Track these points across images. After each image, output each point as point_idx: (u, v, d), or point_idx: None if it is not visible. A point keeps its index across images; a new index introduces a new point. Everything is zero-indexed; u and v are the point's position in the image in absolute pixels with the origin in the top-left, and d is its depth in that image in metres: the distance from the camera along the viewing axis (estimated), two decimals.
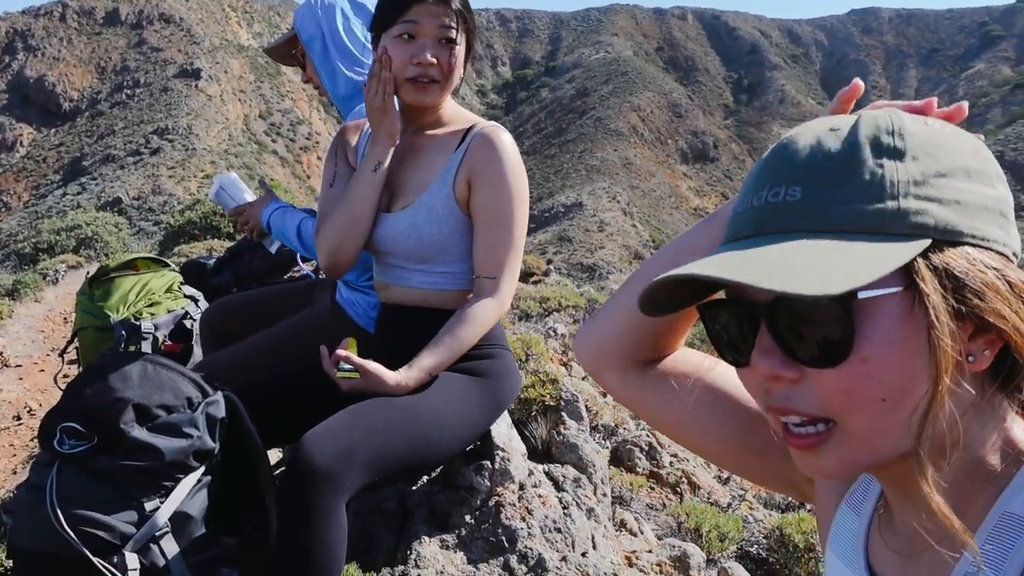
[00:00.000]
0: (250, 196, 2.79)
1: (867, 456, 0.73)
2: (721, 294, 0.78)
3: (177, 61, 70.84)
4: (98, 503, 1.64)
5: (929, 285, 0.67)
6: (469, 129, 2.04)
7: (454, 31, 1.94)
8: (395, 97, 2.00)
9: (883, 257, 0.66)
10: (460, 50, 1.98)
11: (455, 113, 2.12)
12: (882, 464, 0.74)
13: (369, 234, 2.07)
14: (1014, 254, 0.71)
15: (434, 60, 1.93)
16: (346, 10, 2.59)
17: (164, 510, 1.70)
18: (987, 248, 0.69)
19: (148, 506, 1.68)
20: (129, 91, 67.18)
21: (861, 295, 0.67)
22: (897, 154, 0.69)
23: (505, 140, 2.00)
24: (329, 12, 2.58)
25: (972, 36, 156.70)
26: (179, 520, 1.73)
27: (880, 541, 0.85)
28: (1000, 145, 70.17)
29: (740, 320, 0.76)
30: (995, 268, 0.68)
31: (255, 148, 64.33)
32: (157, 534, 1.68)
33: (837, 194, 0.69)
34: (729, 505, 3.50)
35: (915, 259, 0.67)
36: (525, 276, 9.12)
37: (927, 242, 0.67)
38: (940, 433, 0.70)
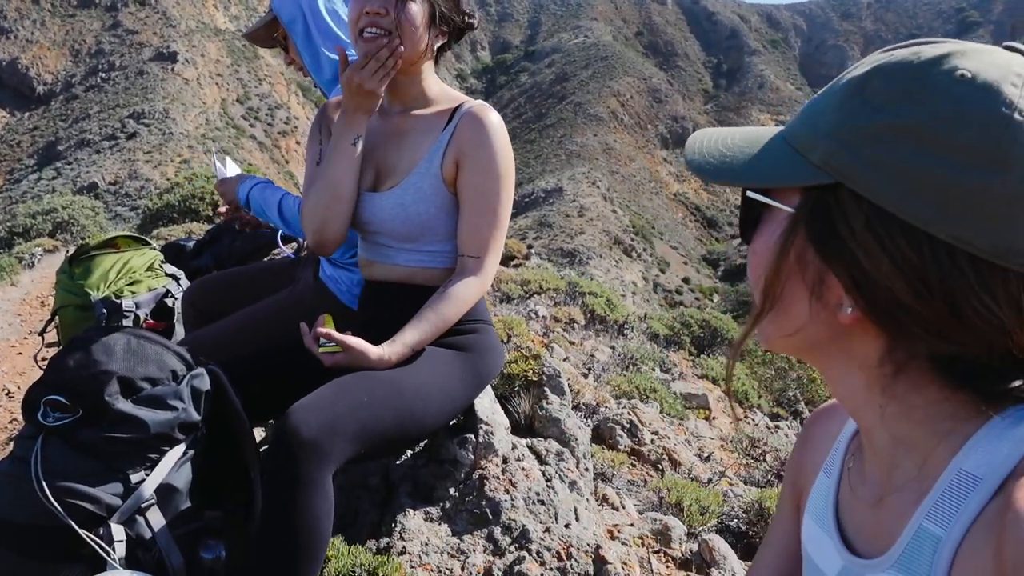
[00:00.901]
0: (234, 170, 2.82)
1: (774, 334, 0.82)
2: None
3: (153, 44, 69.94)
4: (83, 475, 1.63)
5: (800, 215, 0.74)
6: (457, 108, 2.03)
7: None
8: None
9: (779, 175, 0.75)
10: (416, 8, 1.91)
11: (441, 91, 2.10)
12: (797, 351, 0.82)
13: (355, 212, 2.06)
14: (955, 239, 0.65)
15: (381, 10, 1.88)
16: None
17: (150, 482, 1.70)
18: (902, 220, 0.66)
19: (133, 478, 1.68)
20: (104, 74, 66.30)
21: (749, 194, 0.79)
22: (865, 96, 0.70)
23: (493, 120, 1.99)
24: None
25: (950, 22, 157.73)
26: (165, 492, 1.73)
27: (851, 494, 0.87)
28: None
29: None
30: (884, 237, 0.67)
31: (233, 133, 63.71)
32: (143, 506, 1.68)
33: (810, 113, 0.76)
34: (710, 480, 3.54)
35: (808, 189, 0.74)
36: (506, 260, 9.12)
37: (829, 181, 0.71)
38: (812, 352, 0.81)
